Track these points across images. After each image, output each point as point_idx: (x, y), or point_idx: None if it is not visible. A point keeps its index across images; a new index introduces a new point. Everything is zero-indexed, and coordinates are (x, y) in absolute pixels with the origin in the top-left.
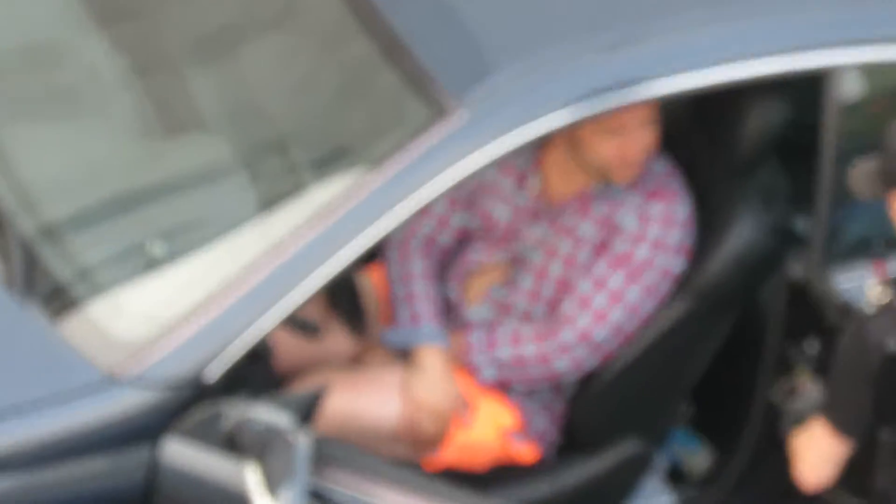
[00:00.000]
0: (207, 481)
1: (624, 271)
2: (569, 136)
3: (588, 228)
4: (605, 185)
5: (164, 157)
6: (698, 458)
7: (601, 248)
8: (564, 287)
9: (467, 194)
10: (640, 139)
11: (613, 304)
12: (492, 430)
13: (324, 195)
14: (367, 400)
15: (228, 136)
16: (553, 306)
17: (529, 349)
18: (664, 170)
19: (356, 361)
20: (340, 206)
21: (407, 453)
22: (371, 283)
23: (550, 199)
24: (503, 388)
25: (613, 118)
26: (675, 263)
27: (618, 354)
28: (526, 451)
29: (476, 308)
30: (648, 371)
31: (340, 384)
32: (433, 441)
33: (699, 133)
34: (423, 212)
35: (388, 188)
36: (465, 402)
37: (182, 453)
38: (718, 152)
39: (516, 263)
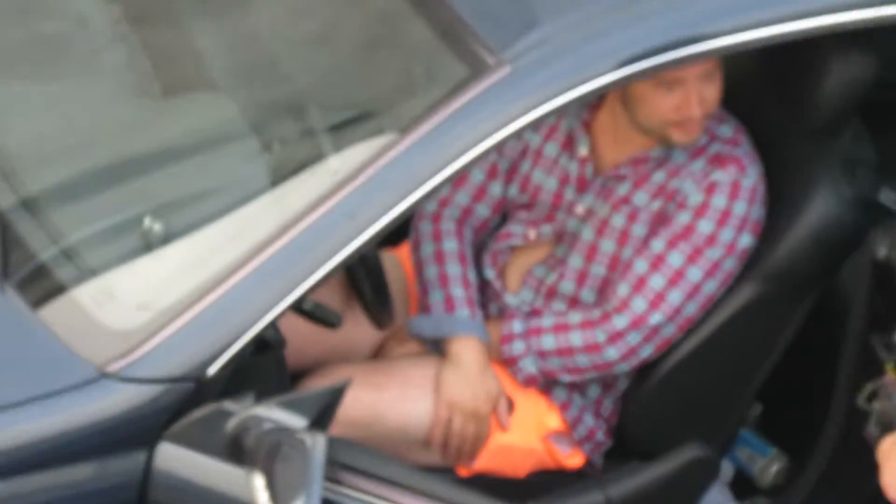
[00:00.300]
0: (208, 490)
1: (684, 248)
2: (621, 93)
3: (643, 199)
4: (662, 150)
5: (162, 120)
6: (768, 464)
7: (658, 221)
8: (617, 266)
9: (508, 162)
10: (702, 94)
11: (672, 285)
12: (533, 431)
13: (345, 163)
14: (394, 399)
15: (237, 96)
16: (604, 289)
17: (576, 337)
18: (730, 133)
19: (380, 354)
20: (363, 175)
21: (438, 460)
22: (399, 263)
23: (601, 166)
24: (546, 384)
25: (671, 71)
26: (742, 239)
27: (676, 344)
28: (571, 456)
29: (516, 292)
30: (711, 364)
31: (362, 381)
32: (469, 447)
33: (770, 93)
34: (458, 180)
35: (417, 152)
36: (506, 401)
37: (179, 458)
38: (793, 114)
39: (562, 240)
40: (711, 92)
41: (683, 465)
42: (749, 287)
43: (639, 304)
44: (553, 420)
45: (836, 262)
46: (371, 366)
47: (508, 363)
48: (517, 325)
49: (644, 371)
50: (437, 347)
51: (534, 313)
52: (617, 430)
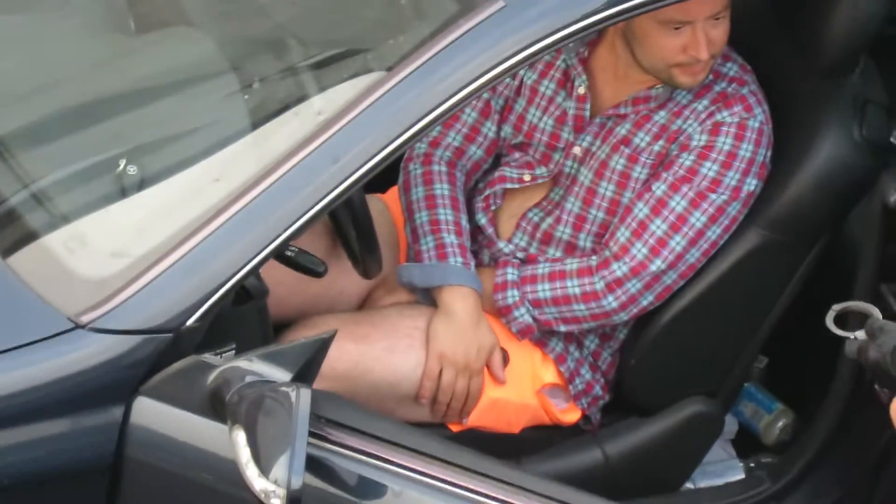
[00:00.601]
0: (187, 446)
1: (687, 191)
2: (623, 28)
3: (645, 140)
4: (665, 89)
5: (136, 57)
6: (773, 420)
7: (660, 163)
8: (616, 211)
9: (502, 100)
10: (710, 35)
11: (674, 230)
12: (528, 385)
13: (329, 103)
14: (381, 351)
15: (214, 32)
16: (602, 234)
17: (573, 285)
18: (736, 71)
19: (367, 304)
20: (348, 116)
21: (428, 417)
22: (387, 208)
23: (599, 106)
24: (541, 336)
25: (678, 8)
26: (748, 183)
27: (677, 292)
28: (568, 411)
29: (509, 237)
30: (713, 315)
31: (348, 332)
32: (459, 403)
33: (778, 30)
34: (450, 120)
35: (405, 92)
36: (500, 355)
37: (157, 413)
38: (800, 52)
39: (558, 182)
40: (719, 34)
41: (684, 421)
42: (753, 233)
43: (639, 251)
44: (548, 373)
45: (845, 208)
46: (357, 316)
47: (502, 313)
48: (511, 273)
49: (643, 321)
50: (427, 297)
51: (529, 260)
52: (615, 385)
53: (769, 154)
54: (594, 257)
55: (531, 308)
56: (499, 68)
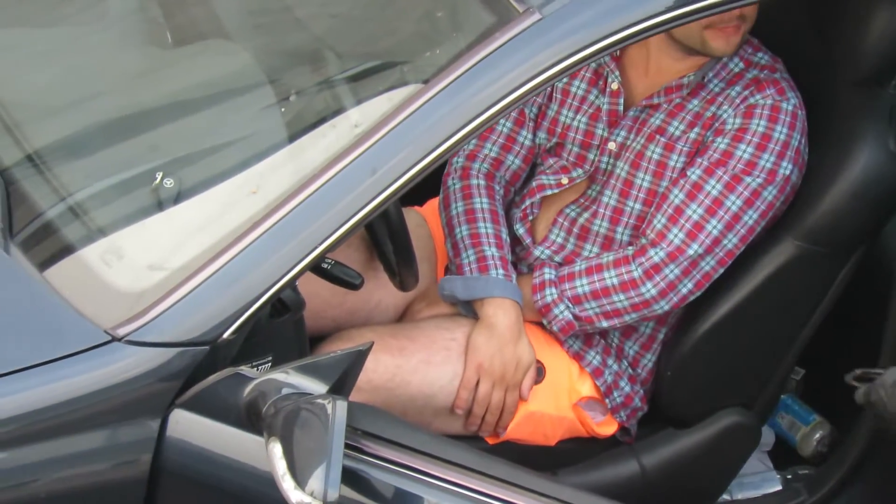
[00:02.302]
0: (223, 459)
1: (722, 174)
2: None
3: (680, 128)
4: (696, 75)
5: (173, 70)
6: (810, 432)
7: (696, 151)
8: (653, 201)
9: (535, 108)
10: None
11: (710, 214)
12: (564, 398)
13: (366, 115)
14: (418, 363)
15: (251, 44)
16: (639, 226)
17: (611, 276)
18: (767, 61)
19: (406, 317)
20: (385, 128)
21: (463, 429)
22: (425, 222)
23: (632, 100)
24: (580, 349)
25: None
26: (783, 166)
27: (713, 304)
28: (605, 424)
29: (545, 236)
30: (750, 326)
31: (385, 344)
32: (494, 416)
33: (815, 40)
34: (485, 131)
35: (441, 104)
36: (535, 372)
37: (193, 425)
38: (837, 63)
39: (595, 180)
40: None
41: (721, 433)
42: (790, 244)
43: (675, 235)
44: (585, 387)
45: (882, 219)
46: (394, 329)
47: (541, 312)
48: (548, 273)
49: (680, 332)
50: (468, 310)
51: (566, 262)
52: (652, 397)
53: (804, 141)
54: (630, 248)
55: (570, 305)
56: (535, 81)
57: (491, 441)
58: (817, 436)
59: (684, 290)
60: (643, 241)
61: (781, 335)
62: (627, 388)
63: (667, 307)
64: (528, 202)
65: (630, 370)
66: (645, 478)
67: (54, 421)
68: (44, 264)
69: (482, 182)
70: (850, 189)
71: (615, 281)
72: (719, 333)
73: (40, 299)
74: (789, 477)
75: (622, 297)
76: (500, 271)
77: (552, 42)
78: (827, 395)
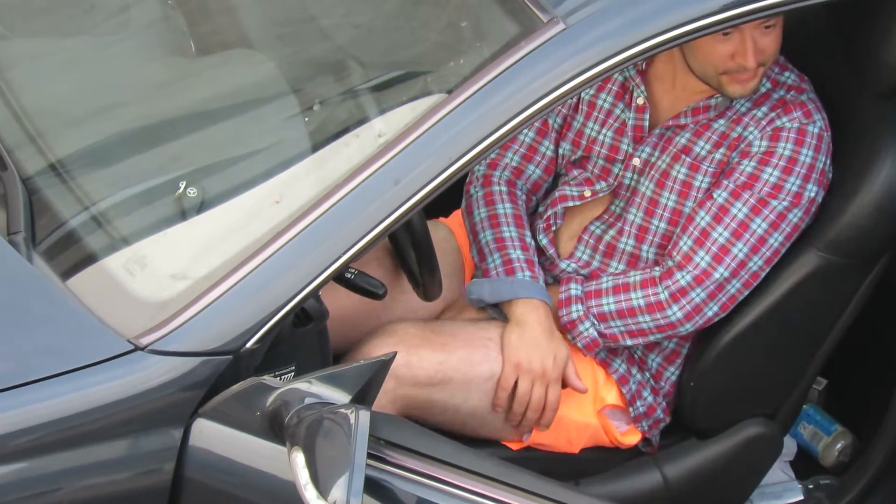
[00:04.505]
0: (246, 468)
1: (748, 198)
2: None
3: (705, 148)
4: (724, 98)
5: (196, 80)
6: (832, 442)
7: (721, 171)
8: (678, 221)
9: (560, 118)
10: (759, 44)
11: (736, 237)
12: (590, 404)
13: (389, 125)
14: (459, 361)
15: (275, 54)
16: (664, 245)
17: (637, 297)
18: (794, 81)
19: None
20: (408, 138)
21: (496, 431)
22: (451, 233)
23: (658, 116)
24: (605, 356)
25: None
26: (808, 189)
27: (736, 315)
28: (628, 434)
29: (570, 252)
30: (772, 337)
31: (428, 340)
32: (535, 413)
33: (838, 54)
34: (508, 141)
35: (465, 114)
36: (574, 365)
37: (216, 434)
38: (860, 76)
39: (619, 195)
40: (769, 43)
41: (743, 443)
42: (813, 256)
43: (702, 258)
44: (610, 394)
45: None
46: (435, 325)
47: (566, 328)
48: (574, 288)
49: (702, 343)
50: (498, 314)
51: (591, 276)
52: (674, 407)
53: (829, 162)
54: (657, 268)
55: (596, 322)
56: (559, 91)
57: (514, 447)
58: (839, 446)
59: (710, 313)
60: (670, 263)
61: (804, 346)
62: (650, 399)
63: (691, 328)
64: (550, 212)
65: (652, 382)
66: (668, 488)
67: (78, 430)
68: (67, 273)
69: (504, 188)
70: (872, 200)
71: (641, 302)
72: (742, 344)
73: (63, 309)
74: (811, 487)
75: (648, 318)
76: (527, 273)
77: (576, 52)
78: (849, 404)
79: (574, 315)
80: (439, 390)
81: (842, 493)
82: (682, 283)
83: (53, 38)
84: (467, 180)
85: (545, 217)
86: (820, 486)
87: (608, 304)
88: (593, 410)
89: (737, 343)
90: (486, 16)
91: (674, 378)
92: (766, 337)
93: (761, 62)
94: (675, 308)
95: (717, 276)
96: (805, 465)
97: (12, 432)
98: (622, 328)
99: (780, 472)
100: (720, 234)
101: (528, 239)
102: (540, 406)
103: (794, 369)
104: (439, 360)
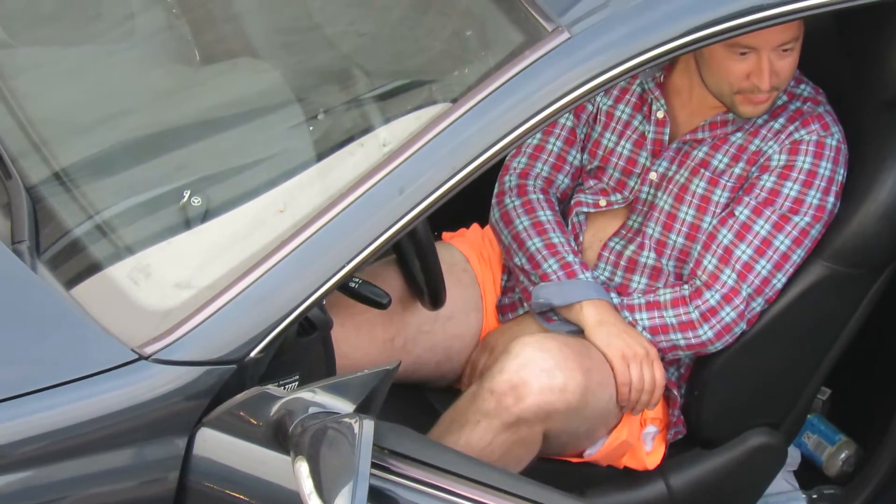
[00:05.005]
0: (250, 478)
1: (770, 214)
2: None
3: (724, 161)
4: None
5: (201, 88)
6: (836, 451)
7: (741, 186)
8: (696, 236)
9: (585, 128)
10: (775, 66)
11: (759, 254)
12: (638, 423)
13: (393, 134)
14: (599, 384)
15: (279, 63)
16: (682, 259)
17: (670, 315)
18: (810, 93)
19: (467, 374)
20: (413, 147)
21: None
22: (468, 263)
23: (676, 130)
24: None
25: (745, 38)
26: (829, 202)
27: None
28: (653, 453)
29: (593, 268)
30: (777, 347)
31: (578, 364)
32: (650, 394)
33: (845, 63)
34: (535, 151)
35: (470, 123)
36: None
37: (220, 444)
38: (867, 85)
39: (635, 210)
40: (785, 65)
41: (748, 453)
42: (818, 265)
43: (728, 276)
44: (655, 409)
45: None
46: (579, 345)
47: None
48: (615, 298)
49: (705, 356)
50: (559, 326)
51: (618, 292)
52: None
53: (845, 172)
54: (686, 286)
55: None
56: (564, 100)
57: (575, 460)
58: (843, 455)
59: (738, 331)
60: (697, 282)
61: (809, 355)
62: (676, 408)
63: (720, 347)
64: (574, 220)
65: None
66: (672, 498)
67: (82, 439)
68: (71, 282)
69: (541, 196)
70: (878, 210)
71: (674, 321)
72: (747, 353)
73: (67, 318)
74: (815, 496)
75: (679, 335)
76: (588, 275)
77: (581, 61)
78: (853, 414)
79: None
80: (584, 412)
81: (846, 502)
82: (712, 302)
83: (58, 47)
84: (497, 192)
85: (570, 224)
86: (824, 496)
87: (642, 319)
88: (639, 432)
89: (742, 353)
90: (490, 25)
91: (676, 392)
92: (771, 347)
93: (775, 85)
94: (706, 327)
95: (744, 294)
96: (809, 474)
97: (17, 441)
98: (656, 342)
99: (784, 481)
100: (743, 252)
101: (574, 244)
102: (652, 387)
103: (798, 379)
104: (585, 384)
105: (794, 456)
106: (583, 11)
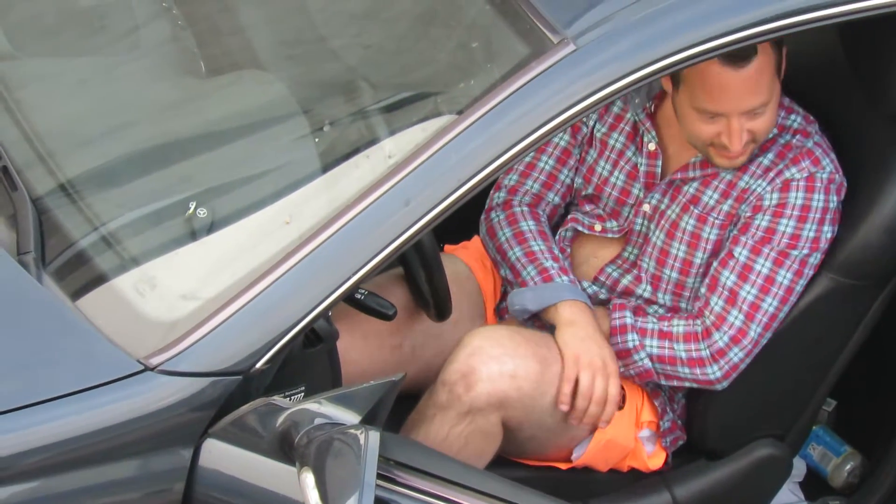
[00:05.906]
0: (255, 489)
1: (769, 252)
2: (672, 97)
3: (713, 198)
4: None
5: (206, 100)
6: (842, 463)
7: (730, 223)
8: (689, 270)
9: (580, 149)
10: (745, 125)
11: (764, 292)
12: (633, 425)
13: (399, 147)
14: (556, 375)
15: (285, 75)
16: (678, 293)
17: (681, 349)
18: (800, 124)
19: None
20: (418, 159)
21: (552, 447)
22: (472, 273)
23: (668, 163)
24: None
25: (710, 100)
26: (825, 232)
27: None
28: (654, 456)
29: (589, 283)
30: (782, 359)
31: (532, 352)
32: (600, 406)
33: (849, 76)
34: (526, 168)
35: (475, 135)
36: (624, 395)
37: (226, 455)
38: (871, 99)
39: (630, 241)
40: (759, 125)
41: (753, 464)
42: (823, 278)
43: (735, 317)
44: (646, 411)
45: None
46: (535, 336)
47: (620, 356)
48: (629, 317)
49: None
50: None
51: (636, 311)
52: (685, 428)
53: (840, 199)
54: (698, 322)
55: (646, 356)
56: (569, 112)
57: (564, 466)
58: (848, 466)
59: (743, 367)
60: (707, 322)
61: (814, 367)
62: (671, 415)
63: (726, 385)
64: (561, 234)
65: (668, 402)
66: None
67: (88, 450)
68: (77, 293)
69: (525, 209)
70: (883, 223)
71: (684, 355)
72: (752, 366)
73: (73, 328)
74: None
75: (687, 370)
76: (565, 278)
77: (586, 73)
78: (858, 426)
79: (630, 344)
80: (539, 403)
81: None
82: (721, 343)
83: (63, 59)
84: (486, 207)
85: (558, 238)
86: None
87: (651, 345)
88: (634, 433)
89: (748, 369)
90: (496, 37)
91: (684, 400)
92: (777, 358)
93: (750, 140)
94: (714, 367)
95: (752, 334)
96: (814, 486)
97: (23, 452)
98: (660, 370)
99: (789, 493)
100: (748, 293)
101: (557, 251)
102: (602, 399)
103: (804, 390)
104: (540, 372)
105: (799, 467)
106: (588, 24)
